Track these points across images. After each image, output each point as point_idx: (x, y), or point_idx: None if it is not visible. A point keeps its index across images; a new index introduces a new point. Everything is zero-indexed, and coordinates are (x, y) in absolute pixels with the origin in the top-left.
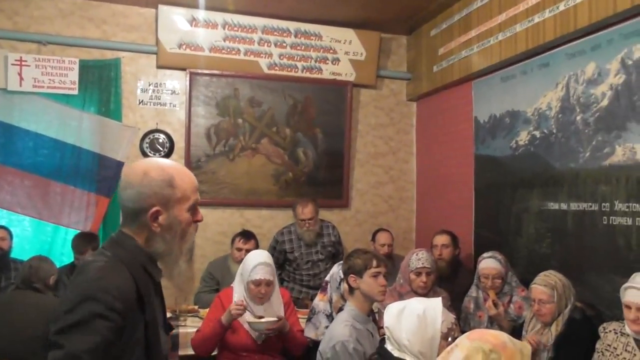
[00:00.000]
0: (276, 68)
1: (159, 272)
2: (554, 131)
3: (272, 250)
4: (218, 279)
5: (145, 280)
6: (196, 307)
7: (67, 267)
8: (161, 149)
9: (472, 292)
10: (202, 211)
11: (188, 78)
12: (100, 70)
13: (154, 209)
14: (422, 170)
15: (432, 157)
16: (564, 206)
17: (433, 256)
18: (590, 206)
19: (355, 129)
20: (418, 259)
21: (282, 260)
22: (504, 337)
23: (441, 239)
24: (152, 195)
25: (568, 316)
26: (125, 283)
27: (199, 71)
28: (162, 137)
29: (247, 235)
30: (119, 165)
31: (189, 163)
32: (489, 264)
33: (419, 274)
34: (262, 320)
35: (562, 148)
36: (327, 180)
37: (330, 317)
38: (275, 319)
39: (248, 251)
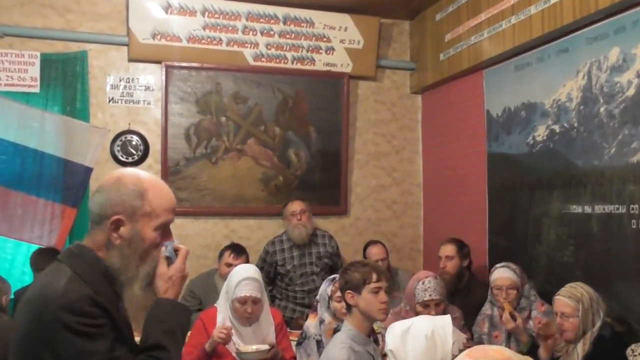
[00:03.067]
0: (263, 59)
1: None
2: (575, 125)
3: (262, 262)
4: (201, 298)
5: (108, 293)
6: None
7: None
8: (134, 152)
9: (486, 309)
10: (181, 221)
11: (164, 72)
12: (65, 64)
13: (117, 217)
14: (429, 171)
15: (440, 157)
16: (587, 209)
17: (441, 279)
18: (617, 208)
19: (353, 126)
20: (424, 289)
21: (273, 274)
22: (507, 352)
23: (445, 250)
24: (119, 203)
25: (597, 334)
26: (88, 297)
27: (176, 64)
28: (135, 138)
29: (238, 250)
30: (87, 171)
31: (166, 167)
32: (502, 273)
33: (426, 306)
34: (253, 349)
35: (584, 144)
36: (323, 184)
37: (321, 343)
38: (267, 347)
39: None
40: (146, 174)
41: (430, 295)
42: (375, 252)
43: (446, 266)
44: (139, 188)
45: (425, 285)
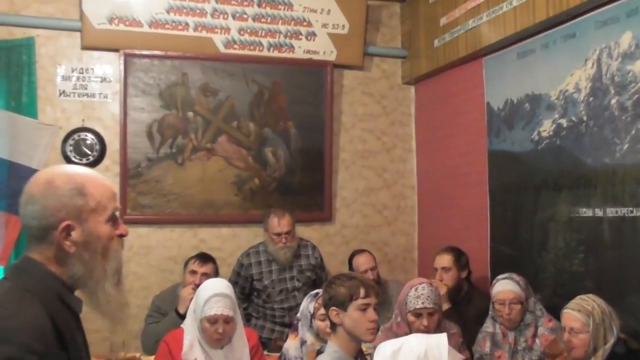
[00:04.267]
0: (235, 46)
1: (79, 303)
2: (584, 119)
3: (236, 276)
4: (167, 313)
5: (63, 313)
6: (138, 355)
7: None
8: (89, 152)
9: (488, 326)
10: (144, 231)
11: (122, 61)
12: (8, 53)
13: (65, 223)
14: (425, 171)
15: (436, 155)
16: (598, 212)
17: (436, 287)
18: (631, 211)
19: (338, 121)
20: (417, 296)
21: (248, 290)
22: None
23: (441, 261)
24: (61, 208)
25: (609, 351)
26: (40, 319)
27: (137, 52)
28: (90, 137)
29: (203, 257)
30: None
31: (125, 170)
32: (504, 286)
33: (418, 315)
34: None
35: (594, 140)
36: (304, 187)
37: None
38: None
39: (205, 276)
40: (73, 168)
41: (423, 303)
42: (362, 261)
43: (442, 279)
44: (75, 185)
45: (418, 292)
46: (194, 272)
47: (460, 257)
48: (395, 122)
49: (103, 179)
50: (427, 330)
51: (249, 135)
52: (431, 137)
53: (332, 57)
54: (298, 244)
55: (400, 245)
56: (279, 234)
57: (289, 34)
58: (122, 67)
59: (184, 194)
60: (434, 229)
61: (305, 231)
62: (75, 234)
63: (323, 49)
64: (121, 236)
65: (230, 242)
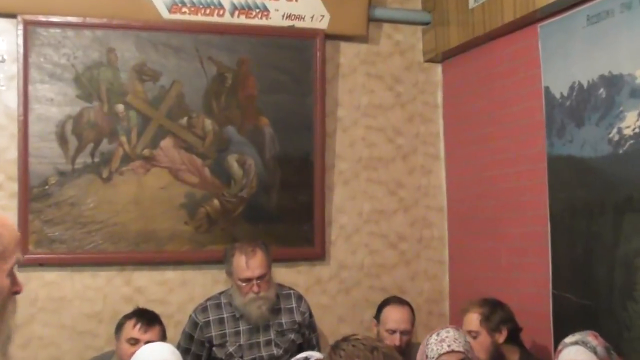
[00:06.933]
0: (184, 10)
1: None
2: None
3: (188, 341)
4: None
5: None
6: None
7: None
8: None
9: None
10: (53, 277)
11: (21, 31)
12: None
13: None
14: (457, 187)
15: (473, 163)
16: None
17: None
18: None
19: (332, 116)
20: (440, 340)
21: None
22: None
23: (466, 323)
24: None
25: None
26: None
27: (42, 18)
28: None
29: (147, 318)
30: None
31: (25, 188)
32: (575, 355)
33: None
34: None
35: None
36: (285, 211)
37: None
38: None
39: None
40: None
41: (449, 345)
42: (397, 317)
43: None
44: None
45: (442, 336)
46: (134, 341)
47: (491, 316)
48: (414, 117)
49: (8, 219)
50: None
51: (205, 137)
52: (466, 137)
53: (323, 24)
54: (277, 293)
55: (423, 293)
56: (248, 280)
57: None
58: (20, 40)
59: (111, 222)
60: (471, 269)
61: (287, 274)
62: None
63: (310, 12)
64: (16, 293)
65: (179, 291)
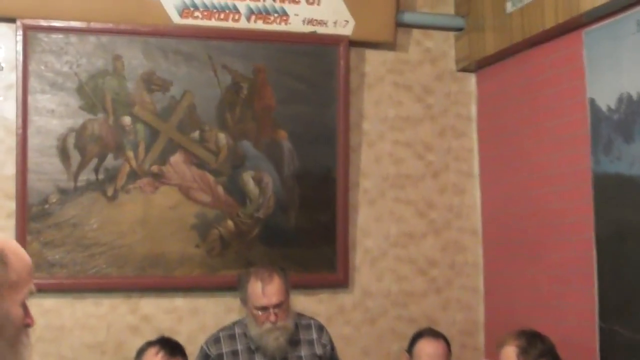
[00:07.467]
0: (197, 14)
1: None
2: None
3: None
4: None
5: None
6: None
7: None
8: None
9: None
10: (52, 304)
11: (21, 37)
12: None
13: None
14: (493, 208)
15: (511, 182)
16: None
17: None
18: None
19: (357, 129)
20: None
21: None
22: None
23: (505, 355)
24: None
25: None
26: None
27: (43, 23)
28: None
29: (170, 347)
30: None
31: (24, 207)
32: None
33: None
34: None
35: None
36: (305, 233)
37: None
38: None
39: None
40: None
41: None
42: (431, 352)
43: None
44: None
45: None
46: None
47: (529, 349)
48: (446, 131)
49: (20, 247)
50: None
51: (218, 152)
52: (502, 153)
53: (347, 30)
54: (296, 323)
55: (456, 324)
56: (264, 308)
57: None
58: (19, 46)
59: (116, 244)
60: (508, 298)
61: (307, 302)
62: None
63: (333, 18)
64: (27, 326)
65: (189, 320)
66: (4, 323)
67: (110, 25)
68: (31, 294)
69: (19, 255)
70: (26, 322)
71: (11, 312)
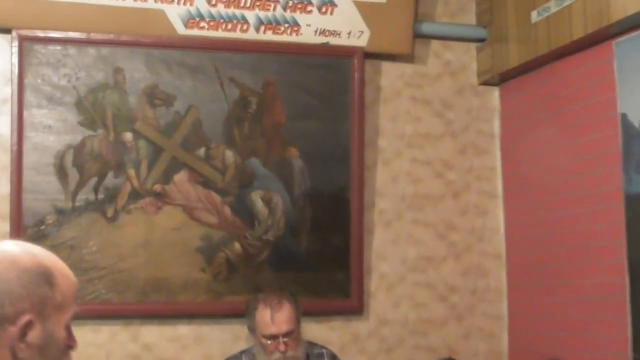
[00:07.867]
0: (203, 25)
1: None
2: None
3: None
4: None
5: None
6: None
7: None
8: None
9: None
10: None
11: (16, 48)
12: None
13: (26, 318)
14: (518, 230)
15: (536, 203)
16: None
17: None
18: None
19: (373, 146)
20: None
21: None
22: None
23: None
24: (25, 296)
25: None
26: None
27: (40, 34)
28: None
29: None
30: None
31: (18, 227)
32: None
33: None
34: None
35: None
36: (317, 257)
37: None
38: None
39: None
40: (35, 248)
41: None
42: None
43: None
44: (43, 270)
45: None
46: None
47: None
48: (467, 148)
49: (68, 269)
50: None
51: (225, 170)
52: (527, 172)
53: (362, 41)
54: (307, 352)
55: (478, 354)
56: (273, 337)
57: (290, 3)
58: (15, 58)
59: (116, 268)
60: (534, 327)
61: (318, 331)
62: (33, 334)
63: (347, 28)
64: (69, 348)
65: (194, 348)
66: (48, 343)
67: (110, 36)
68: (75, 315)
69: (66, 276)
70: (69, 344)
71: (55, 333)
